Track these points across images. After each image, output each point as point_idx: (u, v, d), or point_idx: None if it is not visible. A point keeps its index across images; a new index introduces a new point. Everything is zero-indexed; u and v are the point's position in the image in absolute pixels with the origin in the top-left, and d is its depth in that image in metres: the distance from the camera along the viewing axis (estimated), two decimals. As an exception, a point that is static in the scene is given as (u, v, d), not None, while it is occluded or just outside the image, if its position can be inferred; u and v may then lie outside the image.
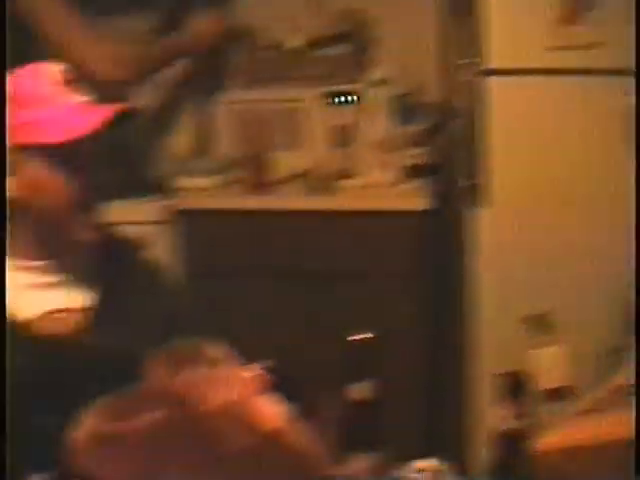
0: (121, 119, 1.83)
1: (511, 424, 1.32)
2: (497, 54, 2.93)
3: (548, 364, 2.96)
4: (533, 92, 2.93)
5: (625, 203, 2.79)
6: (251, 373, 1.31)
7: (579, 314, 2.89)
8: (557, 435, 1.12)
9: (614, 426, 1.08)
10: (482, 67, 2.94)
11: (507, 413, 1.34)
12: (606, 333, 2.25)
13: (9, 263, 1.80)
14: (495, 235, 2.98)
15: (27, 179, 1.75)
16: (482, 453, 2.67)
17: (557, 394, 2.91)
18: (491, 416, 1.45)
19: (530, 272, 2.94)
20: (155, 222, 3.20)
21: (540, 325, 2.96)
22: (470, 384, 3.06)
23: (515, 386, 1.37)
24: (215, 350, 1.14)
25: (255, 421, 1.12)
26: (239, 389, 1.12)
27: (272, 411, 1.15)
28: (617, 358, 1.83)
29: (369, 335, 1.49)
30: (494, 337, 2.99)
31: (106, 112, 1.77)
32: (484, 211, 2.98)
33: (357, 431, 1.51)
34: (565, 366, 2.95)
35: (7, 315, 1.53)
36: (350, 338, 1.46)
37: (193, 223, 3.19)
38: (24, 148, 1.74)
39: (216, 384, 1.10)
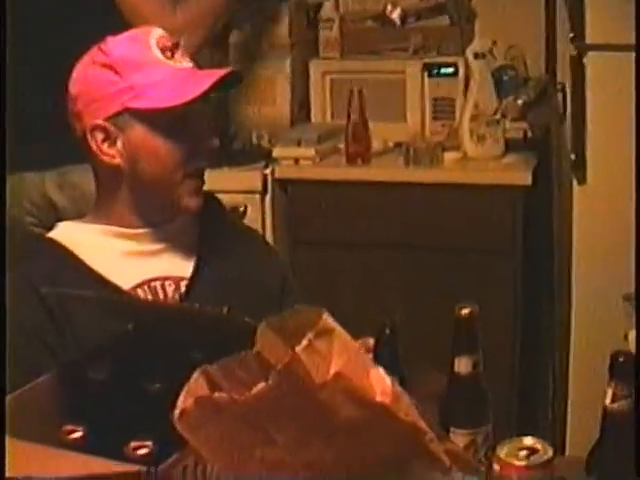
0: (227, 84, 1.84)
1: (618, 404, 1.31)
2: (599, 29, 2.86)
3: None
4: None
5: None
6: (363, 345, 1.31)
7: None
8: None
9: None
10: (586, 42, 2.88)
11: (613, 392, 1.33)
12: None
13: (100, 228, 1.82)
14: (594, 211, 2.93)
15: (133, 144, 1.76)
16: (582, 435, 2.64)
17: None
18: (594, 396, 1.42)
19: (630, 249, 2.89)
20: (253, 191, 3.21)
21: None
22: (570, 362, 3.02)
23: (622, 365, 1.34)
24: (329, 320, 1.13)
25: (366, 393, 1.12)
26: (351, 360, 1.12)
27: (383, 383, 1.14)
28: None
29: (474, 308, 1.47)
30: (594, 315, 2.94)
31: (213, 76, 1.77)
32: (585, 187, 2.92)
33: (461, 406, 1.50)
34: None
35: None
36: (458, 311, 1.45)
37: (293, 193, 3.21)
38: (130, 113, 1.75)
39: (329, 355, 1.09)
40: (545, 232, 3.27)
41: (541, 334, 3.35)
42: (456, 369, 1.48)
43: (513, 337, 3.13)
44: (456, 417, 1.47)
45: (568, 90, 2.99)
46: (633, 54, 2.79)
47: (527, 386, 3.23)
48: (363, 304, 3.00)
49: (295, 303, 1.69)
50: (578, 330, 2.97)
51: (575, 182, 2.93)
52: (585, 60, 2.89)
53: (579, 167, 2.91)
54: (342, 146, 3.27)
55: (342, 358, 1.10)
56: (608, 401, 1.33)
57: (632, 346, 2.90)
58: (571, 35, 2.93)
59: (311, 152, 3.30)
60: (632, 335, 2.92)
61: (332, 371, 1.10)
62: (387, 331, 1.53)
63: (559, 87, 3.08)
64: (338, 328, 1.15)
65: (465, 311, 1.45)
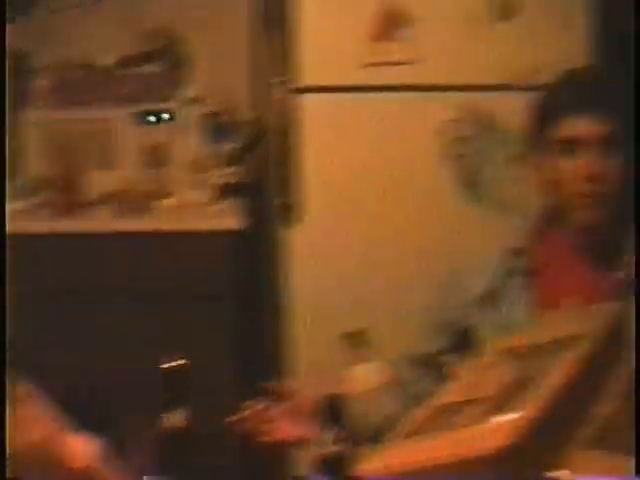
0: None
1: (331, 448, 1.31)
2: (310, 71, 2.94)
3: (367, 382, 2.98)
4: (348, 109, 2.96)
5: (437, 215, 2.86)
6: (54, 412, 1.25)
7: (395, 329, 2.93)
8: (382, 459, 1.11)
9: (441, 449, 1.07)
10: (295, 85, 2.94)
11: (327, 437, 1.33)
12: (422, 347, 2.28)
13: None
14: (309, 253, 2.97)
15: None
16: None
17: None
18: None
19: (345, 289, 2.95)
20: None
21: (357, 342, 2.98)
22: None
23: (333, 408, 1.35)
24: (22, 387, 1.08)
25: (64, 459, 1.07)
26: (46, 427, 1.07)
27: (81, 448, 1.10)
28: (439, 374, 1.84)
29: (182, 362, 1.45)
30: (311, 356, 2.98)
31: None
32: (298, 229, 2.97)
33: (172, 458, 1.47)
34: (382, 384, 2.97)
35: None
36: (163, 366, 1.42)
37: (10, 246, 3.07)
38: None
39: (23, 423, 1.04)
40: (261, 274, 3.29)
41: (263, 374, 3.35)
42: (166, 424, 1.45)
43: (232, 380, 3.11)
44: (166, 470, 1.44)
45: (280, 133, 3.02)
46: (348, 95, 2.89)
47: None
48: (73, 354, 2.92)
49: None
50: (300, 369, 3.00)
51: (291, 224, 2.97)
52: (297, 102, 2.96)
53: (289, 210, 2.95)
54: (55, 198, 3.17)
55: (37, 426, 1.05)
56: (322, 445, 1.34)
57: (355, 384, 2.97)
58: (282, 79, 2.97)
59: (23, 205, 3.20)
60: (352, 373, 2.98)
61: (29, 439, 1.05)
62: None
63: (273, 130, 3.12)
64: (34, 395, 1.10)
65: (170, 365, 1.43)
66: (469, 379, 1.29)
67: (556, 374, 1.18)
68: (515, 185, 2.84)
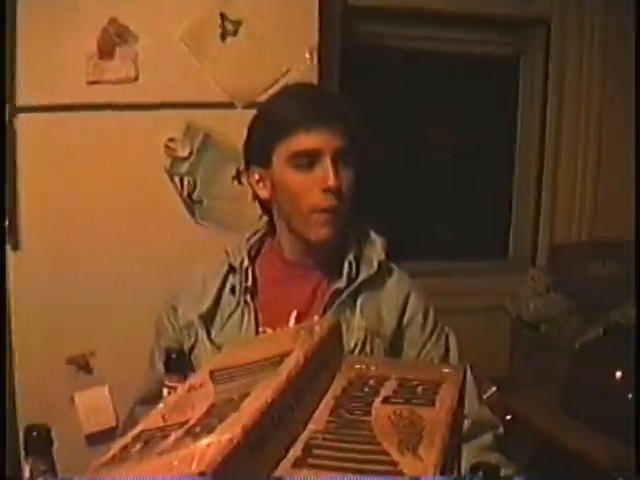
0: None
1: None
2: (30, 90, 2.85)
3: (92, 407, 2.92)
4: (70, 129, 2.88)
5: (168, 236, 2.84)
6: None
7: (120, 353, 2.89)
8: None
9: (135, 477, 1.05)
10: (14, 104, 2.84)
11: (32, 468, 1.27)
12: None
13: None
14: (29, 278, 2.88)
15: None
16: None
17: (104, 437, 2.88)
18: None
19: (69, 314, 2.88)
20: None
21: (82, 367, 2.92)
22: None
23: (37, 439, 1.29)
24: None
25: None
26: None
27: None
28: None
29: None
30: (34, 384, 2.88)
31: None
32: (17, 254, 2.87)
33: None
34: (109, 407, 2.92)
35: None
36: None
37: None
38: None
39: None
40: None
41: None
42: None
43: None
44: None
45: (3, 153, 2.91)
46: (70, 114, 2.81)
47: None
48: None
49: None
50: (22, 393, 2.89)
51: (9, 248, 2.85)
52: (15, 122, 2.84)
53: (12, 232, 2.85)
54: None
55: None
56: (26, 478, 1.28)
57: (78, 410, 2.90)
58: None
59: None
60: (78, 397, 2.91)
61: None
62: None
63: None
64: None
65: None
66: (174, 403, 1.27)
67: (261, 393, 1.17)
68: (236, 202, 2.87)
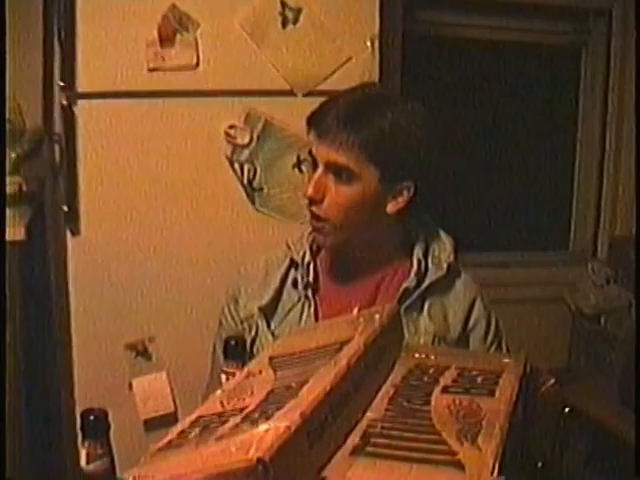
0: None
1: (90, 466, 1.25)
2: (92, 77, 2.86)
3: (150, 392, 2.94)
4: (132, 115, 2.89)
5: (223, 224, 2.85)
6: None
7: (179, 340, 2.91)
8: (149, 469, 1.08)
9: (196, 462, 1.05)
10: (76, 90, 2.86)
11: (86, 454, 1.27)
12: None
13: None
14: (88, 263, 2.90)
15: None
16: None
17: (161, 423, 2.90)
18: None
19: (128, 300, 2.90)
20: None
21: (141, 352, 2.94)
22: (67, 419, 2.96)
23: (94, 423, 1.29)
24: None
25: None
26: None
27: None
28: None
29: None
30: (93, 369, 2.91)
31: None
32: (77, 239, 2.90)
33: None
34: (167, 393, 2.94)
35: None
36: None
37: None
38: None
39: None
40: (43, 285, 3.19)
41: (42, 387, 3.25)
42: None
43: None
44: None
45: (64, 140, 2.93)
46: (126, 100, 2.82)
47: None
48: None
49: None
50: (80, 378, 2.92)
51: (69, 233, 2.88)
52: (76, 109, 2.86)
53: (72, 219, 2.87)
54: None
55: None
56: (83, 463, 1.28)
57: (136, 396, 2.92)
58: (62, 84, 2.88)
59: None
60: (136, 383, 2.93)
61: None
62: None
63: (56, 138, 3.02)
64: None
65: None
66: (233, 389, 1.27)
67: (320, 381, 1.17)
68: (296, 190, 2.86)
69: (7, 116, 3.03)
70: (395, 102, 1.94)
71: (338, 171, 1.87)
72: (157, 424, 2.91)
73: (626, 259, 3.99)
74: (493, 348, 2.00)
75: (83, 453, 1.28)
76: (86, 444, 1.28)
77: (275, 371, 1.31)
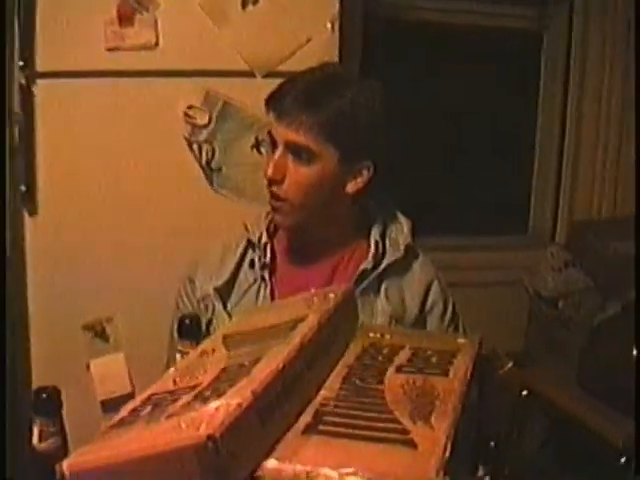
0: None
1: (42, 444, 1.25)
2: (49, 56, 2.82)
3: (108, 373, 2.93)
4: (91, 94, 2.85)
5: (181, 205, 2.85)
6: None
7: (137, 320, 2.90)
8: (86, 452, 1.08)
9: (144, 440, 1.05)
10: (34, 70, 2.82)
11: (38, 431, 1.27)
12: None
13: None
14: (46, 243, 2.87)
15: None
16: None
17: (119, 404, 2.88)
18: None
19: (85, 280, 2.88)
20: None
21: (98, 333, 2.92)
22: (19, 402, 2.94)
23: (46, 401, 1.29)
24: None
25: None
26: None
27: None
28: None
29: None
30: (50, 349, 2.89)
31: None
32: (34, 219, 2.87)
33: None
34: (125, 374, 2.93)
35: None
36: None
37: None
38: None
39: None
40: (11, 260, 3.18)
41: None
42: None
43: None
44: None
45: (22, 120, 2.90)
46: (85, 80, 2.80)
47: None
48: None
49: None
50: (37, 364, 2.90)
51: (26, 213, 2.85)
52: (34, 89, 2.84)
53: (30, 199, 2.85)
54: None
55: None
56: (35, 440, 1.28)
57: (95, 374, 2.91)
58: (21, 63, 2.85)
59: None
60: (93, 364, 2.92)
61: None
62: None
63: (15, 118, 2.99)
64: None
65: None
66: (185, 367, 1.27)
67: (273, 359, 1.17)
68: (255, 171, 2.85)
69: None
70: (354, 82, 1.94)
71: (297, 151, 1.87)
72: (114, 405, 2.90)
73: (584, 243, 4.03)
74: (450, 330, 2.01)
75: (35, 431, 1.28)
76: (38, 422, 1.28)
77: (229, 350, 1.31)
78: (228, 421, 1.01)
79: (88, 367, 2.93)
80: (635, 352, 3.08)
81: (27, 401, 1.31)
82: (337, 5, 2.94)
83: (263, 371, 1.13)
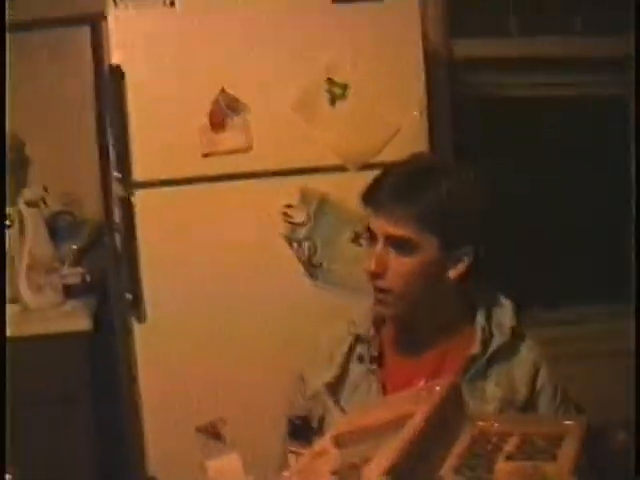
0: None
1: None
2: (147, 166, 2.93)
3: (223, 474, 2.95)
4: (190, 200, 2.94)
5: (285, 303, 2.88)
6: None
7: (250, 420, 2.91)
8: None
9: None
10: (132, 179, 2.92)
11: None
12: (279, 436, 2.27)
13: None
14: (156, 349, 2.94)
15: None
16: None
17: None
18: None
19: (198, 383, 2.92)
20: None
21: (212, 435, 2.95)
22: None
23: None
24: None
25: None
26: None
27: None
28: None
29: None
30: (166, 452, 2.93)
31: None
32: (146, 325, 2.93)
33: None
34: (240, 474, 2.94)
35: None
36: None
37: None
38: None
39: None
40: (113, 373, 3.25)
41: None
42: None
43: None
44: None
45: (123, 230, 2.98)
46: (186, 187, 2.88)
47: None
48: None
49: None
50: (153, 463, 2.95)
51: (135, 321, 2.92)
52: (133, 198, 2.93)
53: (137, 306, 2.92)
54: None
55: None
56: None
57: (211, 475, 2.94)
58: (118, 175, 2.94)
59: None
60: (209, 465, 2.95)
61: None
62: None
63: (116, 228, 3.09)
64: None
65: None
66: (298, 471, 1.29)
67: (388, 453, 1.18)
68: (355, 264, 2.87)
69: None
70: (447, 170, 1.97)
71: (398, 243, 1.88)
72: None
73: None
74: (561, 411, 1.99)
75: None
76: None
77: (340, 448, 1.33)
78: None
79: (204, 469, 2.96)
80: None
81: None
82: (423, 92, 2.98)
83: (374, 471, 1.14)
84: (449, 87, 3.73)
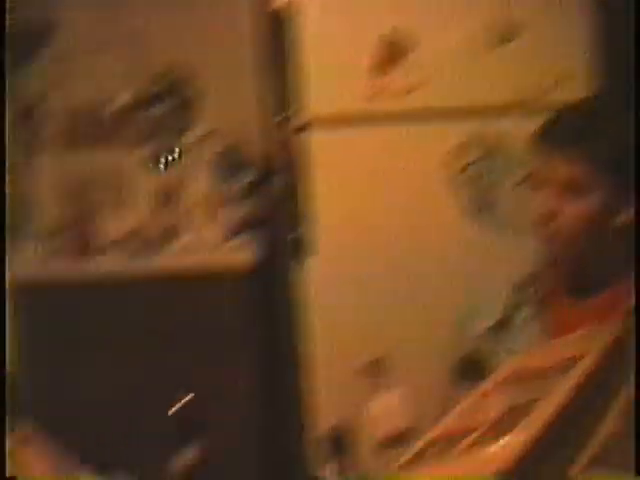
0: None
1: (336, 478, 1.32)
2: (314, 106, 2.94)
3: (386, 410, 2.97)
4: (353, 141, 2.96)
5: (449, 244, 2.87)
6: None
7: (415, 358, 2.92)
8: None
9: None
10: (300, 119, 2.95)
11: (333, 467, 1.33)
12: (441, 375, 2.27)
13: None
14: (324, 284, 2.98)
15: None
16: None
17: (399, 440, 2.92)
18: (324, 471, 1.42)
19: (364, 318, 2.96)
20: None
21: (377, 370, 2.97)
22: (308, 437, 3.02)
23: (339, 440, 1.36)
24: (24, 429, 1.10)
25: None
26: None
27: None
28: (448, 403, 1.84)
29: (189, 397, 1.45)
30: (332, 387, 2.98)
31: None
32: (312, 261, 2.98)
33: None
34: (404, 410, 2.96)
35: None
36: (171, 411, 1.42)
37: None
38: None
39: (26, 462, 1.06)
40: (278, 308, 3.30)
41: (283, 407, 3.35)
42: (179, 464, 1.45)
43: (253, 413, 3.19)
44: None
45: (291, 167, 3.04)
46: (354, 126, 2.90)
47: (270, 462, 3.25)
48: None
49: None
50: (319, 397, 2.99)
51: (305, 256, 2.98)
52: (301, 138, 2.96)
53: (306, 243, 2.97)
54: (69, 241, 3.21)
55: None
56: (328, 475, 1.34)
57: (376, 413, 2.97)
58: (287, 114, 2.98)
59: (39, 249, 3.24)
60: (372, 402, 2.97)
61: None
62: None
63: (283, 164, 3.13)
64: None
65: (177, 406, 1.43)
66: (468, 408, 1.30)
67: (556, 396, 1.18)
68: (520, 207, 2.84)
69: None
70: (620, 113, 1.93)
71: (569, 185, 1.86)
72: (393, 442, 2.94)
73: None
74: None
75: (328, 469, 1.34)
76: (332, 461, 1.35)
77: (505, 391, 1.33)
78: (516, 458, 1.03)
79: (367, 405, 2.98)
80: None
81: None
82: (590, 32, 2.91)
83: (543, 411, 1.15)
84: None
